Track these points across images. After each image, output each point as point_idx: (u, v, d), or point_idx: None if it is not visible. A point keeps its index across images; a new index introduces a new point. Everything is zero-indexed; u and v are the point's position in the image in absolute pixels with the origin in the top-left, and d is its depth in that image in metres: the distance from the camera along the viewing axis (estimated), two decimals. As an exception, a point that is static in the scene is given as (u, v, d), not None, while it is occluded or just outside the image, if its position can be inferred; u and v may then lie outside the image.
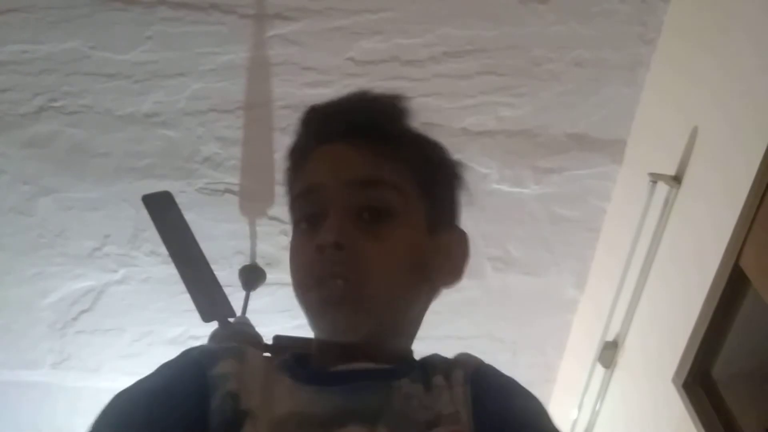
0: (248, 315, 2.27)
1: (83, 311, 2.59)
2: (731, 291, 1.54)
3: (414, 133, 0.78)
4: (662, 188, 1.90)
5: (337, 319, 0.69)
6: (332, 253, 0.68)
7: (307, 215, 0.73)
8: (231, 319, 2.13)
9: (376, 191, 0.71)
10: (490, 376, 0.75)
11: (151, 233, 2.02)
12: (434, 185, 0.76)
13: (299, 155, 0.77)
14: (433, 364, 0.75)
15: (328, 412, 0.66)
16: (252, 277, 2.42)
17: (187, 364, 0.71)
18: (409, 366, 0.75)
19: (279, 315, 2.42)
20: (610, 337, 2.20)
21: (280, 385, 0.70)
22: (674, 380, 1.73)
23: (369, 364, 0.71)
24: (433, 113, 2.14)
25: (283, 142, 2.19)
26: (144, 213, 1.94)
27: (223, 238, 2.37)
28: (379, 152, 0.72)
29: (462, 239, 0.79)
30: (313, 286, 0.70)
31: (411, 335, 0.79)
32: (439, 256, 0.75)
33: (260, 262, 2.43)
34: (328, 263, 0.68)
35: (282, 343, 1.48)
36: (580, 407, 2.38)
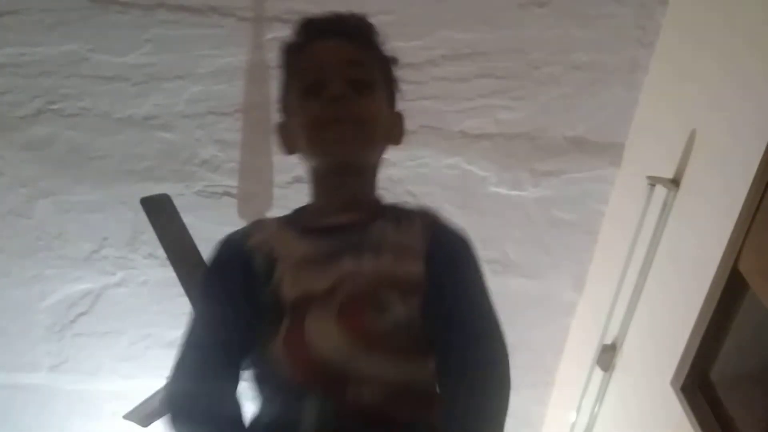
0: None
1: (81, 314, 2.58)
2: (729, 294, 1.54)
3: (379, 40, 1.08)
4: (660, 191, 1.91)
5: (343, 141, 0.97)
6: (339, 102, 0.96)
7: (309, 85, 0.99)
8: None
9: (362, 69, 1.01)
10: (444, 233, 1.07)
11: (150, 236, 2.02)
12: (390, 76, 1.10)
13: (299, 45, 1.04)
14: (399, 209, 1.09)
15: (325, 253, 0.97)
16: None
17: (232, 245, 1.04)
18: (380, 210, 1.07)
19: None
20: (608, 340, 2.20)
21: (291, 239, 1.01)
22: (672, 383, 1.73)
23: (352, 215, 1.02)
24: (432, 116, 2.14)
25: (282, 144, 2.19)
26: (142, 216, 1.93)
27: (222, 241, 2.37)
28: (361, 48, 1.03)
29: (402, 116, 1.12)
30: (324, 126, 0.97)
31: (376, 184, 1.09)
32: (393, 123, 1.09)
33: (259, 264, 2.43)
34: (338, 108, 0.96)
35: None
36: (578, 410, 2.38)
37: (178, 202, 1.95)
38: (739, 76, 1.63)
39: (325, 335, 0.90)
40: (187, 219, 1.97)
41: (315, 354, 0.90)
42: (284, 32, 2.01)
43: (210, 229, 2.33)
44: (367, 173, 1.06)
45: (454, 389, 0.93)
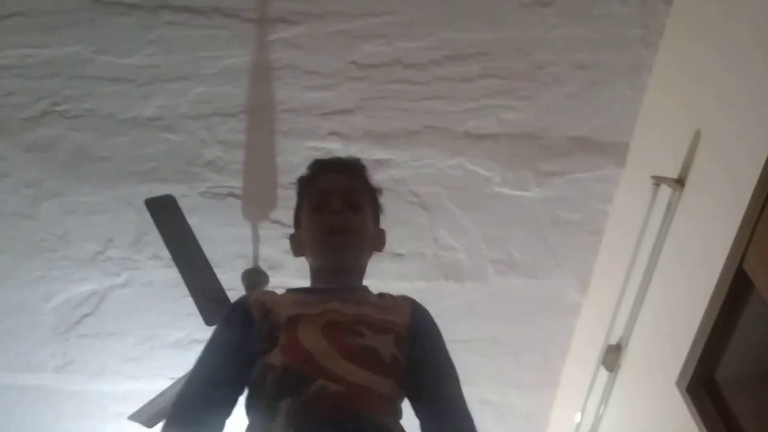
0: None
1: (86, 315, 2.59)
2: (735, 294, 1.53)
3: (368, 175, 1.41)
4: (665, 191, 1.90)
5: (340, 246, 1.28)
6: (339, 216, 1.28)
7: (317, 205, 1.32)
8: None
9: (355, 195, 1.34)
10: (420, 308, 1.30)
11: (154, 237, 2.03)
12: (376, 201, 1.40)
13: (311, 178, 1.39)
14: (382, 293, 1.33)
15: (315, 300, 1.23)
16: (254, 280, 2.42)
17: (237, 307, 1.28)
18: (367, 290, 1.35)
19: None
20: (613, 341, 2.19)
21: (286, 296, 1.29)
22: (678, 383, 1.73)
23: (343, 283, 1.30)
24: (435, 116, 2.14)
25: (286, 145, 2.20)
26: (147, 217, 1.94)
27: (226, 242, 2.37)
28: (355, 180, 1.38)
29: (384, 232, 1.42)
30: (326, 233, 1.28)
31: (362, 276, 1.37)
32: (377, 236, 1.39)
33: (263, 265, 2.44)
34: (337, 220, 1.28)
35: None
36: (583, 410, 2.37)
37: (182, 203, 1.96)
38: (743, 76, 1.62)
39: (311, 339, 1.15)
40: (192, 220, 1.98)
41: (304, 349, 1.13)
42: (288, 33, 2.04)
43: (214, 229, 2.35)
44: (355, 270, 1.34)
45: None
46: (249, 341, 1.19)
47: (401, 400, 1.18)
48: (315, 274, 1.35)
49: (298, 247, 1.39)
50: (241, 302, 1.28)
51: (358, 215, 1.32)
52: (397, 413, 1.16)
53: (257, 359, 1.15)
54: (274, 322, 1.18)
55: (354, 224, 1.30)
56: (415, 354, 1.21)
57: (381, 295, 1.33)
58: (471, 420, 1.17)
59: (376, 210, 1.41)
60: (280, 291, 1.33)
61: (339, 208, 1.29)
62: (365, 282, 1.37)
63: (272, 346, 1.14)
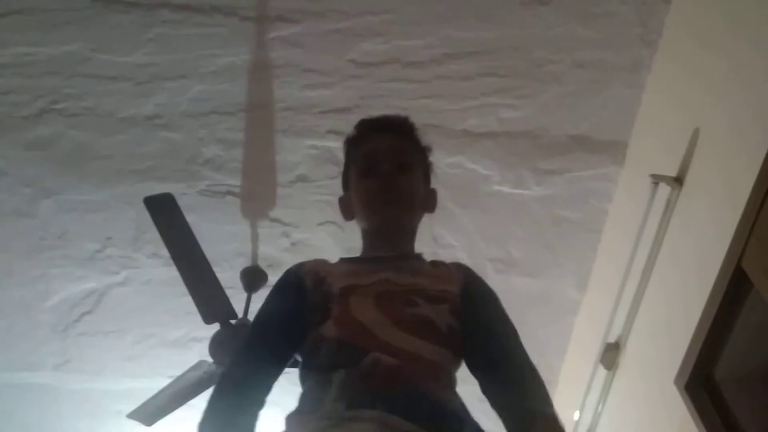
0: (250, 317, 2.27)
1: (85, 313, 2.59)
2: (733, 292, 1.53)
3: (418, 135, 1.36)
4: (664, 189, 1.90)
5: (391, 208, 1.24)
6: (389, 178, 1.25)
7: (366, 166, 1.28)
8: (232, 321, 2.13)
9: (405, 155, 1.29)
10: (474, 277, 1.29)
11: (153, 235, 2.03)
12: (426, 161, 1.37)
13: (358, 139, 1.34)
14: (435, 260, 1.31)
15: (368, 269, 1.21)
16: (253, 278, 2.42)
17: (290, 275, 1.25)
18: (419, 255, 1.31)
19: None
20: (611, 339, 2.20)
21: (338, 266, 1.26)
22: (676, 382, 1.73)
23: (395, 251, 1.26)
24: (435, 115, 2.14)
25: (285, 143, 2.20)
26: (146, 215, 1.94)
27: (225, 240, 2.37)
28: (404, 139, 1.33)
29: (435, 192, 1.39)
30: (376, 196, 1.25)
31: (414, 240, 1.33)
32: (428, 197, 1.36)
33: (262, 263, 2.44)
34: (387, 182, 1.24)
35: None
36: (582, 409, 2.38)
37: (181, 202, 1.96)
38: (742, 74, 1.62)
39: (364, 310, 1.13)
40: (190, 218, 1.98)
41: (357, 321, 1.12)
42: (287, 31, 2.04)
43: (213, 228, 2.35)
44: (407, 233, 1.31)
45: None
46: (301, 311, 1.17)
47: (457, 369, 1.16)
48: (367, 237, 1.31)
49: (347, 210, 1.35)
50: (295, 270, 1.25)
51: (408, 176, 1.28)
52: (453, 383, 1.14)
53: (310, 330, 1.14)
54: (327, 293, 1.17)
55: (404, 186, 1.27)
56: (468, 320, 1.18)
57: (434, 264, 1.29)
58: (536, 374, 1.16)
59: (427, 169, 1.37)
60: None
61: (388, 169, 1.25)
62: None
63: (325, 317, 1.13)
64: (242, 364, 1.18)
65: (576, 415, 2.40)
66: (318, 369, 1.10)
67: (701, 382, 1.65)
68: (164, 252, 2.00)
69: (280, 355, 1.17)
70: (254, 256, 2.42)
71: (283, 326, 1.18)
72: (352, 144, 1.36)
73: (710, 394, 1.62)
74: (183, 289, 1.99)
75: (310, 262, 1.28)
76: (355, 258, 1.30)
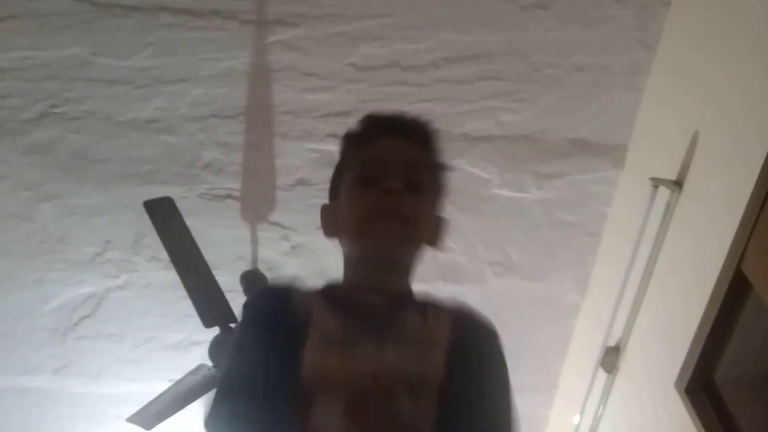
0: (249, 320, 2.27)
1: (84, 317, 2.58)
2: (733, 295, 1.54)
3: (437, 146, 1.12)
4: (663, 193, 1.90)
5: (389, 236, 0.99)
6: (395, 197, 0.99)
7: (367, 176, 1.02)
8: (232, 325, 2.13)
9: (418, 171, 1.04)
10: (470, 328, 1.06)
11: (153, 239, 2.02)
12: (441, 181, 1.12)
13: (363, 138, 1.08)
14: (429, 301, 1.07)
15: (351, 332, 0.97)
16: (253, 282, 2.42)
17: (277, 294, 1.06)
18: (411, 299, 1.07)
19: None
20: (611, 342, 2.19)
21: (325, 308, 1.01)
22: (676, 385, 1.73)
23: (383, 299, 1.02)
24: (434, 118, 2.12)
25: (285, 147, 2.20)
26: (145, 219, 1.94)
27: (225, 244, 2.37)
28: (420, 150, 1.08)
29: (445, 221, 1.13)
30: (375, 216, 0.99)
31: (412, 274, 1.08)
32: (436, 226, 1.10)
33: (261, 267, 2.43)
34: (392, 203, 0.99)
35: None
36: (582, 412, 2.37)
37: (180, 205, 1.96)
38: (741, 78, 1.63)
39: (331, 422, 0.92)
40: (190, 222, 1.98)
41: None
42: (286, 35, 2.04)
43: (213, 231, 2.35)
44: (402, 268, 1.06)
45: None
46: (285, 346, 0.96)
47: None
48: (351, 264, 1.06)
49: (330, 224, 1.09)
50: (282, 294, 1.03)
51: (417, 198, 1.02)
52: None
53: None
54: (303, 355, 0.95)
55: (410, 209, 1.00)
56: (454, 384, 0.96)
57: (425, 316, 1.03)
58: None
59: (440, 193, 1.10)
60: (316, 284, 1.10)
61: (396, 186, 0.99)
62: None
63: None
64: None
65: (576, 419, 2.39)
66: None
67: (701, 386, 1.65)
68: (164, 256, 1.99)
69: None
70: (254, 259, 2.42)
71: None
72: (353, 142, 1.10)
73: (710, 398, 1.62)
74: (182, 292, 1.99)
75: (295, 286, 1.05)
76: (338, 298, 1.04)
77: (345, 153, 1.12)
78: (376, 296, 1.03)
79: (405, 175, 1.02)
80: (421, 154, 1.08)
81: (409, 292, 1.08)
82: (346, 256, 1.07)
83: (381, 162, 1.03)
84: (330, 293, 1.06)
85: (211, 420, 0.96)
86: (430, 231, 1.08)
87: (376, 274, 1.03)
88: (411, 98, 2.11)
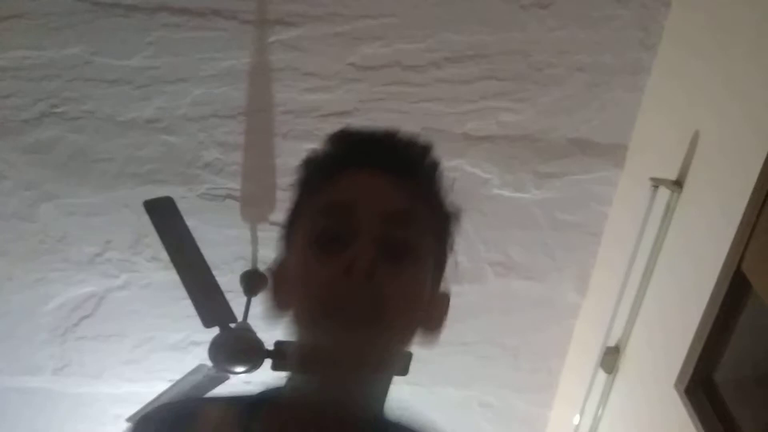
0: (249, 320, 2.27)
1: (84, 317, 2.58)
2: (733, 295, 1.53)
3: (442, 186, 0.76)
4: (663, 193, 1.90)
5: (354, 326, 0.65)
6: (361, 280, 0.64)
7: (327, 231, 0.69)
8: (232, 325, 2.13)
9: (409, 227, 0.69)
10: None
11: (153, 239, 2.02)
12: (445, 239, 0.78)
13: (326, 168, 0.73)
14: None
15: None
16: (253, 282, 2.42)
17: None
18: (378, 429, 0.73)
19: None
20: (612, 342, 2.19)
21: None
22: (676, 385, 1.73)
23: (341, 409, 0.70)
24: (434, 118, 2.14)
25: (285, 147, 2.19)
26: (145, 219, 1.94)
27: (225, 244, 2.37)
28: (415, 193, 0.71)
29: (447, 299, 0.78)
30: (333, 300, 0.65)
31: (388, 381, 0.74)
32: (432, 307, 0.74)
33: (261, 267, 2.43)
34: (355, 289, 0.65)
35: (284, 348, 1.48)
36: (582, 413, 2.37)
37: (181, 205, 1.96)
38: (741, 78, 1.63)
39: None
40: (190, 222, 1.98)
41: None
42: (287, 35, 2.04)
43: (213, 231, 2.35)
44: (372, 378, 0.71)
45: None
46: None
47: None
48: (300, 362, 0.72)
49: (282, 291, 0.74)
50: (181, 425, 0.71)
51: (404, 271, 0.68)
52: None
53: None
54: None
55: (391, 290, 0.66)
56: None
57: None
58: None
59: (442, 255, 0.77)
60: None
61: (368, 259, 0.65)
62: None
63: None
64: None
65: (576, 419, 2.39)
66: None
67: (701, 386, 1.65)
68: (164, 255, 2.00)
69: None
70: (254, 259, 2.42)
71: None
72: (313, 176, 0.76)
73: (710, 398, 1.62)
74: (182, 292, 1.99)
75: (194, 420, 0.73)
76: (268, 423, 0.72)
77: (303, 187, 0.77)
78: (326, 425, 0.69)
79: (386, 235, 0.67)
80: (415, 200, 0.71)
81: (375, 418, 0.73)
82: (295, 343, 0.71)
83: (349, 210, 0.69)
84: (258, 416, 0.72)
85: None
86: (423, 315, 0.72)
87: (331, 385, 0.69)
88: (411, 98, 2.11)
